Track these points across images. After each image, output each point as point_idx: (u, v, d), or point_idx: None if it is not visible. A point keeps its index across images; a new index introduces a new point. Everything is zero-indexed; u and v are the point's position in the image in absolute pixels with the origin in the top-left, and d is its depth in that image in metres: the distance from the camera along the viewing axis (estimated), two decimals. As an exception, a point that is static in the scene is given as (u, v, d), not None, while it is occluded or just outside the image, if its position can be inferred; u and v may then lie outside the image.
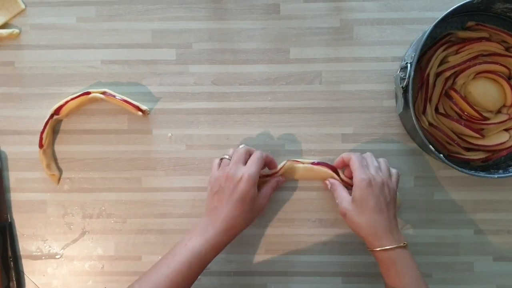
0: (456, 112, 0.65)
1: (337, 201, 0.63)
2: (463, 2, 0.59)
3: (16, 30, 0.68)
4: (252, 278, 0.69)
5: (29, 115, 0.69)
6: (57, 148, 0.69)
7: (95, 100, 0.68)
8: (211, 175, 0.62)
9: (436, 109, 0.65)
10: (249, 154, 0.63)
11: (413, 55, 0.59)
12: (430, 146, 0.59)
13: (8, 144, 0.70)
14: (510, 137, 0.65)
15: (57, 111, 0.67)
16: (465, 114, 0.64)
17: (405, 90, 0.60)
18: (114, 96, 0.67)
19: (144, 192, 0.69)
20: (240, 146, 0.64)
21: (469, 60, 0.64)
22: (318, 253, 0.68)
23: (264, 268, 0.69)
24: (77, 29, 0.69)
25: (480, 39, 0.64)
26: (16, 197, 0.70)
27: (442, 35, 0.65)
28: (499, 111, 0.66)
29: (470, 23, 0.65)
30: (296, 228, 0.68)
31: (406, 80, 0.59)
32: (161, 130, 0.69)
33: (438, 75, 0.64)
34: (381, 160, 0.63)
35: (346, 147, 0.68)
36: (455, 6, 0.59)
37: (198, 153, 0.69)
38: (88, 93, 0.67)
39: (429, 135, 0.65)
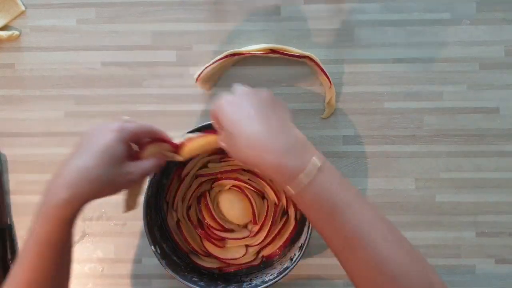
0: (198, 218, 0.66)
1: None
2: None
3: (16, 32, 0.68)
4: (252, 280, 0.69)
5: (29, 117, 0.69)
6: (57, 150, 0.69)
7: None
8: None
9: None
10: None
11: None
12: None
13: (8, 146, 0.69)
14: (244, 254, 0.66)
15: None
16: (206, 222, 0.66)
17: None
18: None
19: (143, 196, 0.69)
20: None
21: (227, 171, 0.65)
22: (319, 256, 0.68)
23: (265, 271, 0.69)
24: (77, 31, 0.69)
25: None
26: (16, 199, 0.69)
27: None
28: (246, 226, 0.67)
29: None
30: (297, 230, 0.68)
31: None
32: (162, 132, 0.69)
33: (197, 176, 0.66)
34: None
35: (347, 149, 0.68)
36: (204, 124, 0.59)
37: (199, 155, 0.68)
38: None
39: (177, 229, 0.66)
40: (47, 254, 0.46)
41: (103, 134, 0.47)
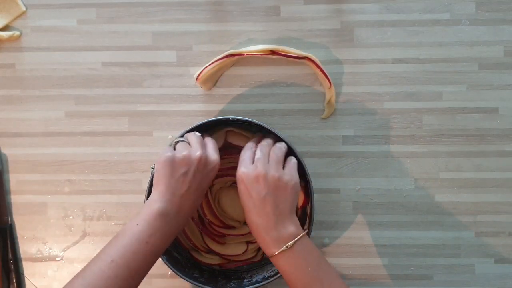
0: (199, 214, 0.66)
1: None
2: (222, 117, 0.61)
3: (17, 32, 0.69)
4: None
5: (29, 117, 0.69)
6: (57, 150, 0.69)
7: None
8: (173, 155, 0.55)
9: None
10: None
11: None
12: None
13: (8, 146, 0.70)
14: (245, 250, 0.66)
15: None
16: (207, 219, 0.65)
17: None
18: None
19: (144, 194, 0.69)
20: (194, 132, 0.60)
21: (229, 168, 0.64)
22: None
23: (265, 270, 0.69)
24: (78, 31, 0.69)
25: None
26: (16, 199, 0.70)
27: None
28: (246, 223, 0.66)
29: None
30: (297, 230, 0.68)
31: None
32: (162, 132, 0.69)
33: None
34: (274, 147, 0.58)
35: (346, 149, 0.68)
36: (216, 118, 0.61)
37: (199, 155, 0.68)
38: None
39: None
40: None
41: (210, 171, 0.57)
